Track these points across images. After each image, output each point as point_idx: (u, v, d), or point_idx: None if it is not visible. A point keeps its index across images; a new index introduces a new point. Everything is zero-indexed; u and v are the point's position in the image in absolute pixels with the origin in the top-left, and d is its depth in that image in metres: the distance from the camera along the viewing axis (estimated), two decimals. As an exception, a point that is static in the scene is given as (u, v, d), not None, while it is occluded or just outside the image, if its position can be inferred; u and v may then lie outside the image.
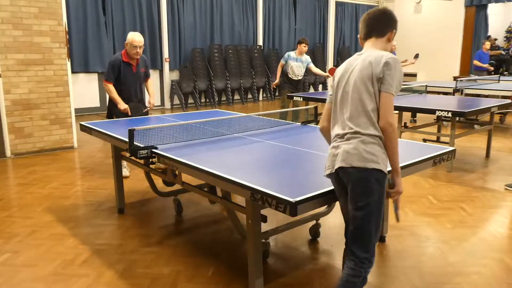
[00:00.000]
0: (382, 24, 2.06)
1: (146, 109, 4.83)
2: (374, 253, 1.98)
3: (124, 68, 4.58)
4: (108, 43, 9.52)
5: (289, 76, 7.06)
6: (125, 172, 4.67)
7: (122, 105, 4.54)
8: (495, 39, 13.37)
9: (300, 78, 7.15)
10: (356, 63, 2.00)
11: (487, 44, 9.85)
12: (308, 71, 7.25)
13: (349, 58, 2.10)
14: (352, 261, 1.95)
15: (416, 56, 9.38)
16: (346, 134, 1.95)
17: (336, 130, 2.03)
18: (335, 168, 1.95)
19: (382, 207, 1.95)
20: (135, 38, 4.47)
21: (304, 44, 6.97)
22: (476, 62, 9.85)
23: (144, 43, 4.62)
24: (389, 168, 1.98)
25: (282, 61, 7.10)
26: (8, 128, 5.65)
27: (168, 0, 10.30)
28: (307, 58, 7.14)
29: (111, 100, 4.65)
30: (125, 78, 4.61)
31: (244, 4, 11.83)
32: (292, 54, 7.03)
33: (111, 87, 4.56)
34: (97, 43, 9.37)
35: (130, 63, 4.60)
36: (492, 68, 9.81)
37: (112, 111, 4.70)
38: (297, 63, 7.01)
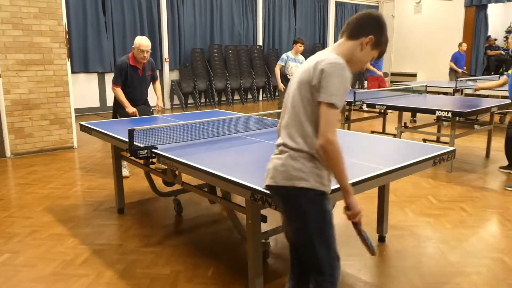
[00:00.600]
0: (359, 26, 1.75)
1: (151, 110, 4.83)
2: (333, 269, 1.75)
3: (131, 71, 4.59)
4: (108, 43, 9.52)
5: (288, 77, 7.03)
6: (125, 172, 4.67)
7: (131, 109, 4.55)
8: (495, 39, 13.38)
9: None
10: (306, 62, 1.77)
11: (464, 46, 9.80)
12: None
13: None
14: (313, 284, 1.78)
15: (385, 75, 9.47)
16: (279, 145, 1.77)
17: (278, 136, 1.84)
18: (264, 185, 1.79)
19: (325, 229, 1.73)
20: (143, 42, 4.48)
21: (300, 44, 6.94)
22: (451, 65, 9.82)
23: (151, 47, 4.62)
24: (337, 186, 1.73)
25: (280, 63, 7.04)
26: (8, 128, 5.65)
27: (168, 0, 10.31)
28: (303, 58, 7.09)
29: (116, 101, 4.66)
30: (131, 82, 4.61)
31: (244, 4, 11.83)
32: (290, 54, 7.02)
33: (119, 91, 4.57)
34: (97, 43, 9.37)
35: (136, 66, 4.60)
36: (466, 73, 9.86)
37: (117, 112, 4.70)
38: (295, 63, 7.00)
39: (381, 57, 1.83)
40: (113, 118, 4.72)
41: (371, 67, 8.79)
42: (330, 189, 1.77)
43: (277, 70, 7.08)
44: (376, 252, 1.76)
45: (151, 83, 4.91)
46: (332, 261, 1.75)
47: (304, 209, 1.69)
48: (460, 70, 9.72)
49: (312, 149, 1.67)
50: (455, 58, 9.81)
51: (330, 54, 1.68)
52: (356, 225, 1.78)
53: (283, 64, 7.02)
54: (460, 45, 9.83)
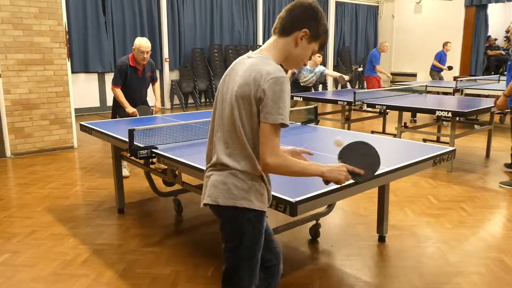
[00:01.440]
0: (290, 19, 1.58)
1: (150, 110, 4.84)
2: None
3: (131, 72, 4.59)
4: (108, 43, 9.53)
5: (301, 84, 6.78)
6: (125, 172, 4.67)
7: (130, 109, 4.55)
8: (495, 39, 13.38)
9: (311, 85, 6.94)
10: (240, 68, 1.58)
11: (449, 46, 9.78)
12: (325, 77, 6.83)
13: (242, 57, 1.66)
14: None
15: (450, 68, 9.50)
16: (216, 163, 1.61)
17: (210, 150, 1.70)
18: (202, 203, 1.68)
19: (256, 253, 1.65)
20: (143, 43, 4.48)
21: (318, 55, 6.47)
22: (435, 63, 9.81)
23: (151, 48, 4.62)
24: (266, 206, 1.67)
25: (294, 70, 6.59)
26: (8, 128, 5.65)
27: (168, 0, 10.31)
28: (320, 67, 6.75)
29: (116, 101, 4.66)
30: (130, 82, 4.62)
31: (244, 4, 11.83)
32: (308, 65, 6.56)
33: (118, 91, 4.58)
34: (97, 43, 9.37)
35: (136, 67, 4.61)
36: (447, 69, 9.83)
37: (116, 112, 4.71)
38: (311, 74, 6.68)
39: (322, 48, 1.68)
40: (112, 118, 4.72)
41: (382, 70, 8.85)
42: (269, 202, 1.68)
43: (289, 75, 6.65)
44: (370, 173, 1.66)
45: (150, 84, 4.92)
46: (251, 286, 1.68)
47: (241, 230, 1.61)
48: (444, 67, 9.69)
49: (256, 171, 1.56)
50: (439, 57, 9.80)
51: (269, 64, 1.51)
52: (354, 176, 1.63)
53: (296, 71, 6.65)
54: (445, 44, 9.77)
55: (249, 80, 1.49)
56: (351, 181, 1.66)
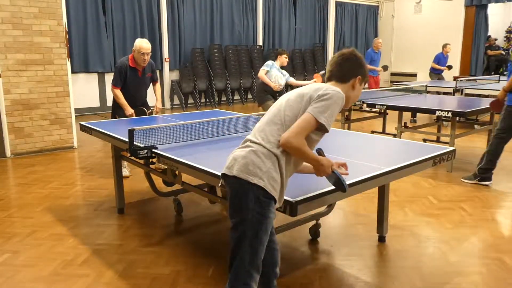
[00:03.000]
0: (345, 71, 1.92)
1: (149, 110, 4.83)
2: (249, 278, 1.73)
3: (130, 73, 4.58)
4: (108, 43, 9.53)
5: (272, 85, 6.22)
6: (125, 172, 4.67)
7: (129, 111, 4.54)
8: (495, 39, 13.38)
9: (280, 89, 6.34)
10: None
11: (448, 48, 9.75)
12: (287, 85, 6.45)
13: None
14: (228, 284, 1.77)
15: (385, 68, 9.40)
16: (245, 141, 1.82)
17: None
18: (221, 173, 1.82)
19: (259, 234, 1.72)
20: (143, 45, 4.47)
21: (285, 55, 6.37)
22: (434, 65, 9.80)
23: (151, 49, 4.61)
24: (282, 198, 1.80)
25: (265, 68, 6.30)
26: (8, 128, 5.65)
27: (168, 0, 10.31)
28: (286, 73, 6.45)
29: (115, 102, 4.66)
30: (130, 83, 4.61)
31: (244, 4, 11.83)
32: (276, 64, 6.37)
33: (118, 92, 4.57)
34: (97, 43, 9.37)
35: (136, 68, 4.59)
36: (447, 69, 9.79)
37: (116, 112, 4.70)
38: (279, 73, 6.31)
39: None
40: (112, 118, 4.72)
41: (370, 66, 8.76)
42: (280, 202, 1.78)
43: (263, 75, 6.27)
44: (347, 188, 1.82)
45: (150, 85, 4.91)
46: (252, 269, 1.74)
47: (248, 206, 1.70)
48: (443, 68, 9.68)
49: (276, 149, 1.73)
50: (438, 59, 9.78)
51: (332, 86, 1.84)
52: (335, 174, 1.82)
53: (268, 69, 6.31)
54: (444, 46, 9.74)
55: (311, 87, 1.84)
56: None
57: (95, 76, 9.57)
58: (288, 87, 6.97)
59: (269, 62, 6.53)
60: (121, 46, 9.73)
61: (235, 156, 1.76)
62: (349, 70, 1.90)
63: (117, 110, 4.67)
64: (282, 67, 6.51)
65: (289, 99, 1.83)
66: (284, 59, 6.44)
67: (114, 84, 4.58)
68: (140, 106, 4.76)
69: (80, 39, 9.15)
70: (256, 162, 1.70)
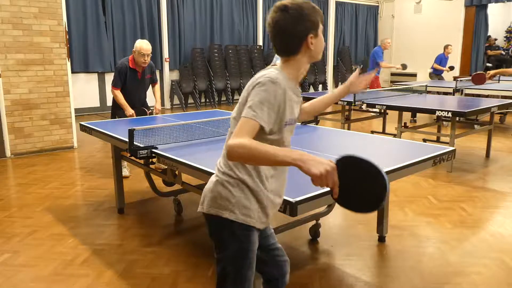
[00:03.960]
0: (285, 38, 1.59)
1: (149, 111, 4.82)
2: None
3: (130, 74, 4.57)
4: (108, 43, 9.53)
5: None
6: (125, 172, 4.67)
7: (129, 111, 4.53)
8: (495, 39, 13.38)
9: None
10: None
11: (450, 49, 9.76)
12: None
13: None
14: None
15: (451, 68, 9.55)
16: (216, 165, 1.66)
17: None
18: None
19: (242, 271, 1.58)
20: (143, 46, 4.45)
21: None
22: (436, 66, 9.82)
23: (151, 50, 4.60)
24: (258, 221, 1.58)
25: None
26: (8, 128, 5.65)
27: (168, 0, 10.31)
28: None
29: (115, 102, 4.66)
30: (130, 84, 4.60)
31: (244, 4, 11.83)
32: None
33: (118, 93, 4.56)
34: (97, 43, 9.37)
35: (136, 69, 4.58)
36: (449, 70, 9.83)
37: (115, 112, 4.70)
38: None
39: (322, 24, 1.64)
40: (112, 118, 4.72)
41: (387, 65, 8.79)
42: (263, 223, 1.62)
43: None
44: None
45: (150, 86, 4.90)
46: None
47: (224, 243, 1.57)
48: (445, 68, 9.69)
49: (240, 173, 1.53)
50: (439, 60, 9.78)
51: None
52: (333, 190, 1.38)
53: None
54: (446, 47, 9.74)
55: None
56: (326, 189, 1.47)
57: (95, 76, 9.57)
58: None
59: (274, 57, 6.67)
60: (121, 46, 9.73)
61: (204, 190, 1.62)
62: (292, 37, 1.55)
63: (116, 111, 4.67)
64: None
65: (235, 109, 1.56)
66: None
67: (114, 85, 4.58)
68: (140, 107, 4.76)
69: (80, 39, 9.15)
70: (223, 194, 1.54)
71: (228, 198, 1.54)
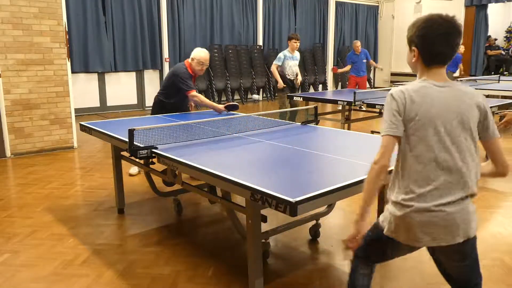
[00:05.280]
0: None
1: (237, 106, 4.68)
2: None
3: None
4: (108, 43, 9.52)
5: (287, 76, 6.75)
6: (135, 169, 4.70)
7: (219, 108, 4.41)
8: (495, 39, 13.38)
9: (295, 76, 6.87)
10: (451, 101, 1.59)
11: (462, 48, 9.97)
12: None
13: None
14: None
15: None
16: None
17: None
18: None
19: (371, 243, 1.79)
20: (202, 55, 4.39)
21: (294, 40, 6.63)
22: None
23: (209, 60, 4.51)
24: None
25: (277, 63, 6.68)
26: (8, 128, 5.65)
27: (168, 0, 10.31)
28: (298, 55, 6.86)
29: (159, 105, 4.51)
30: (183, 91, 4.43)
31: (244, 4, 11.83)
32: (287, 53, 6.69)
33: (200, 95, 4.47)
34: (97, 43, 9.37)
35: (192, 75, 4.49)
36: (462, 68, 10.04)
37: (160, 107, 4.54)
38: (294, 61, 6.71)
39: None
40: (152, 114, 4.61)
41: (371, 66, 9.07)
42: None
43: (274, 69, 6.72)
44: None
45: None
46: None
47: None
48: (460, 66, 9.82)
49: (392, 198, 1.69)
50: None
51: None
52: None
53: (279, 64, 6.69)
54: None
55: (471, 104, 1.64)
56: None
57: (95, 76, 9.56)
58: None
59: (280, 54, 6.77)
60: (121, 46, 9.73)
61: (472, 214, 1.75)
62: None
63: (157, 109, 4.54)
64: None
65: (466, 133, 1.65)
66: (293, 43, 6.70)
67: (190, 88, 4.39)
68: (184, 111, 4.61)
69: (80, 39, 9.14)
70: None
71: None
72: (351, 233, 1.69)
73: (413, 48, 1.64)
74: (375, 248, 1.82)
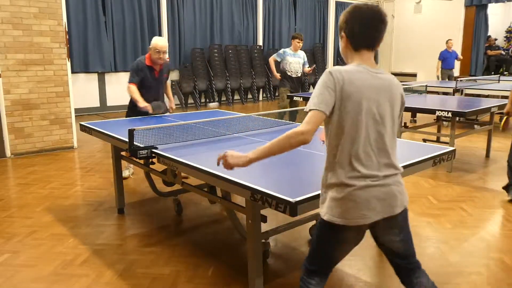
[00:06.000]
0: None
1: (165, 106, 4.65)
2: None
3: (147, 72, 4.43)
4: (108, 43, 9.53)
5: (288, 73, 6.72)
6: (125, 173, 4.65)
7: (142, 103, 4.28)
8: (495, 39, 13.38)
9: (299, 75, 6.81)
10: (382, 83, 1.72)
11: (450, 43, 10.04)
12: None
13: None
14: None
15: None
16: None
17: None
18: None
19: (318, 249, 1.86)
20: (158, 42, 4.34)
21: (298, 40, 6.63)
22: (438, 63, 9.92)
23: (167, 47, 4.43)
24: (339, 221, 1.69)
25: (275, 57, 6.74)
26: (8, 128, 5.65)
27: (168, 0, 10.31)
28: (304, 55, 6.84)
29: (131, 104, 4.49)
30: (147, 82, 4.45)
31: (244, 4, 11.83)
32: (288, 50, 6.70)
33: (133, 87, 4.36)
34: (97, 43, 9.37)
35: (153, 67, 4.45)
36: (460, 59, 10.10)
37: (129, 115, 4.54)
38: (295, 59, 6.68)
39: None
40: (126, 116, 4.57)
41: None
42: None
43: (271, 61, 6.84)
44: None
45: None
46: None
47: (317, 227, 1.83)
48: (459, 56, 9.83)
49: (332, 181, 1.72)
50: (442, 57, 9.83)
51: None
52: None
53: (278, 59, 6.72)
54: (446, 42, 9.88)
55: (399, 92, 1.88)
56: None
57: (95, 76, 9.56)
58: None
59: (281, 50, 6.82)
60: (121, 46, 9.73)
61: (403, 188, 1.78)
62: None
63: (130, 113, 4.52)
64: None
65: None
66: (296, 43, 6.71)
67: (130, 81, 4.40)
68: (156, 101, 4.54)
69: (80, 39, 9.15)
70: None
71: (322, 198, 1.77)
72: (233, 154, 1.85)
73: (342, 34, 1.73)
74: (321, 250, 1.85)
